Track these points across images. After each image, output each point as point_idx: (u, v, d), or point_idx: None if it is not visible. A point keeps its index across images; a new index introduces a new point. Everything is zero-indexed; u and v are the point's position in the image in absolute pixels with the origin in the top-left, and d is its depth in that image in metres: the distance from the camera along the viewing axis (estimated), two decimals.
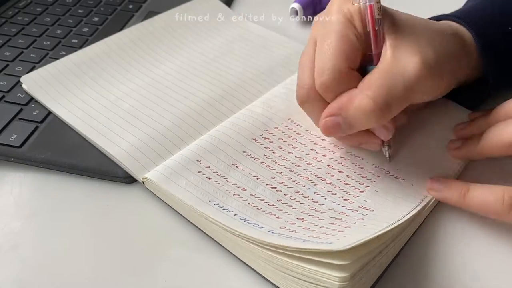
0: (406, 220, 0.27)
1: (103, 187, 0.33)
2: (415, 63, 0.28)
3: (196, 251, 0.29)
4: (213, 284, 0.27)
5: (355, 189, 0.31)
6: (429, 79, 0.28)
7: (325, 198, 0.30)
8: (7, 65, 0.43)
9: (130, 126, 0.35)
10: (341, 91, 0.29)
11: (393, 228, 0.26)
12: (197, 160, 0.32)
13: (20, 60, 0.43)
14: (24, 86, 0.39)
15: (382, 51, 0.29)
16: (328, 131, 0.30)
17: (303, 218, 0.29)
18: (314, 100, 0.30)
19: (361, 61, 0.30)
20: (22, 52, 0.44)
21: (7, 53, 0.44)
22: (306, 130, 0.35)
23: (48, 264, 0.28)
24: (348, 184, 0.31)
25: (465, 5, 0.39)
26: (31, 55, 0.44)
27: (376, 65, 0.29)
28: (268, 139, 0.34)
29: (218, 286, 0.27)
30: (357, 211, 0.29)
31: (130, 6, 0.53)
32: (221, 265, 0.28)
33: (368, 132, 0.31)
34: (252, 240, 0.26)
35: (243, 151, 0.33)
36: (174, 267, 0.28)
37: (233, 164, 0.32)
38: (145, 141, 0.34)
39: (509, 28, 0.34)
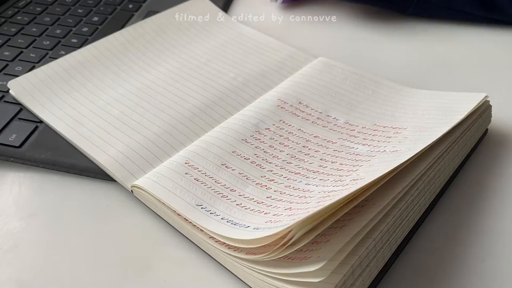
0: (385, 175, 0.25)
1: (103, 187, 0.33)
2: None
3: (196, 251, 0.29)
4: (213, 284, 0.27)
5: (348, 171, 0.30)
6: None
7: (316, 186, 0.30)
8: (7, 65, 0.43)
9: (119, 133, 0.35)
10: None
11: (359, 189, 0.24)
12: (185, 163, 0.31)
13: (19, 60, 0.43)
14: (11, 91, 0.38)
15: None
16: None
17: (291, 207, 0.28)
18: None
19: None
20: (22, 52, 0.44)
21: (6, 53, 0.44)
22: (298, 129, 0.35)
23: (48, 264, 0.28)
24: (342, 169, 0.31)
25: None
26: (31, 54, 0.44)
27: None
28: (259, 139, 0.34)
29: (218, 286, 0.27)
30: (347, 184, 0.28)
31: (130, 6, 0.53)
32: (221, 265, 0.28)
33: None
34: (230, 250, 0.26)
35: (232, 151, 0.32)
36: (174, 267, 0.28)
37: (222, 165, 0.31)
38: (135, 148, 0.33)
39: None
